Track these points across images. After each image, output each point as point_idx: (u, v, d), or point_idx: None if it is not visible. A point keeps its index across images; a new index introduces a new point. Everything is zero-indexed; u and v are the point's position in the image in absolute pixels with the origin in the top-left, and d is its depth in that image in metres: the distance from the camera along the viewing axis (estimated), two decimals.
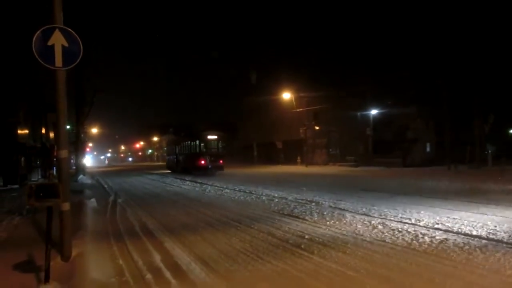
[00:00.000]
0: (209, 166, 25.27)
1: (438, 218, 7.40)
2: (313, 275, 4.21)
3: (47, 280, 3.80)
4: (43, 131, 29.00)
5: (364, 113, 30.25)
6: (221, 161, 26.55)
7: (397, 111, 28.29)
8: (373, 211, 8.46)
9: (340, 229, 6.60)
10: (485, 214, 7.74)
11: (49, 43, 4.75)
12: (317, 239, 5.91)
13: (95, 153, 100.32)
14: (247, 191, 13.72)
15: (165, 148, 43.07)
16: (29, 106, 24.39)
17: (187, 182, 19.37)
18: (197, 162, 25.65)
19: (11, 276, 4.25)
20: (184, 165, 28.36)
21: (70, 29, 4.89)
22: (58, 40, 4.78)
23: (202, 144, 26.90)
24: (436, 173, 20.00)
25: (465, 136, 23.82)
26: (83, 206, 9.66)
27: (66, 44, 4.82)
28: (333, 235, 6.18)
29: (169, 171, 32.11)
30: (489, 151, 21.61)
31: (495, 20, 21.65)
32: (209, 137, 27.27)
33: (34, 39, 4.68)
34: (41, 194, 3.78)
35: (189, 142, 28.97)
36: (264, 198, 11.73)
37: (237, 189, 14.54)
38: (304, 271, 4.36)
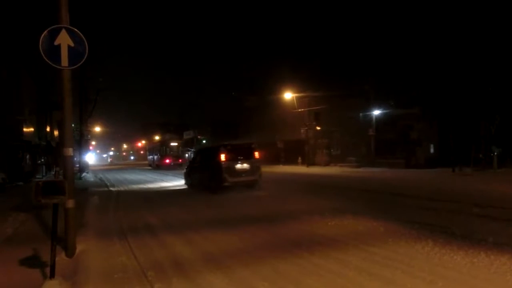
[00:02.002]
0: (172, 164, 36.38)
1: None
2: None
3: (52, 275, 3.87)
4: (48, 129, 29.18)
5: (367, 113, 30.10)
6: (180, 160, 37.74)
7: (400, 112, 28.00)
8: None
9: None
10: None
11: (56, 43, 4.82)
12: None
13: (98, 151, 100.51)
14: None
15: (147, 151, 54.47)
16: (35, 104, 24.55)
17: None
18: (164, 161, 37.29)
19: (18, 272, 4.34)
20: (157, 163, 39.35)
21: (76, 29, 4.97)
22: (64, 40, 4.86)
23: (167, 149, 38.44)
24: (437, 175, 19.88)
25: (470, 138, 23.47)
26: (87, 203, 9.77)
27: (72, 44, 4.89)
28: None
29: (149, 168, 42.26)
30: (495, 153, 21.29)
31: (502, 19, 21.38)
32: (172, 144, 39.43)
33: (41, 38, 4.76)
34: (47, 191, 3.84)
35: (159, 147, 40.14)
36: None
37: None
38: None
